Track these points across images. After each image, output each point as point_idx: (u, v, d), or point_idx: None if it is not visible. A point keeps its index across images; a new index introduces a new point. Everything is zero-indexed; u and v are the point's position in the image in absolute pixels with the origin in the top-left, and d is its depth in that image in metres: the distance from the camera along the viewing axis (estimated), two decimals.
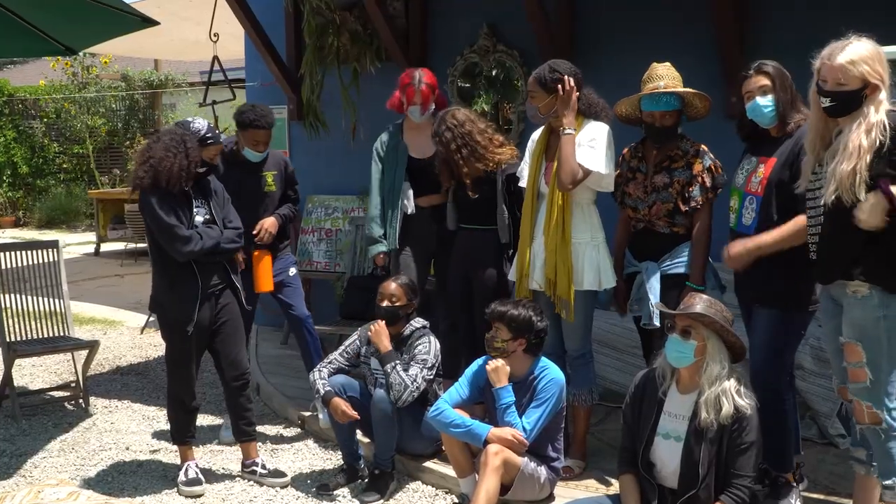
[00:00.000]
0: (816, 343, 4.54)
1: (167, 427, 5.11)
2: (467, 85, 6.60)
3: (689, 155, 4.09)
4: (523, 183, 4.38)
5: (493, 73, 6.46)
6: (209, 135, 4.47)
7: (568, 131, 4.05)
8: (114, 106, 17.17)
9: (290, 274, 5.28)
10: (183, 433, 4.54)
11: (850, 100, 3.13)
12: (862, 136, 3.06)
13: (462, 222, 4.79)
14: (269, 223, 5.06)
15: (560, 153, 4.06)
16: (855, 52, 3.11)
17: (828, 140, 3.26)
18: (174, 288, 4.32)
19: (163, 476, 4.64)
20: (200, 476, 4.47)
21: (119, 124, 17.18)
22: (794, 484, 3.89)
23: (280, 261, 5.23)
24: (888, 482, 3.29)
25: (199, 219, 4.34)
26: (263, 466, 4.55)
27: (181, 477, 4.45)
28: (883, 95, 3.11)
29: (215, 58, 6.96)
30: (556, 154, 4.16)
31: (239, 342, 4.58)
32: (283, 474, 4.52)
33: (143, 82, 17.10)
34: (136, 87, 17.06)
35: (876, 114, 3.08)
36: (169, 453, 4.91)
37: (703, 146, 4.13)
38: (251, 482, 4.53)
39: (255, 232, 4.99)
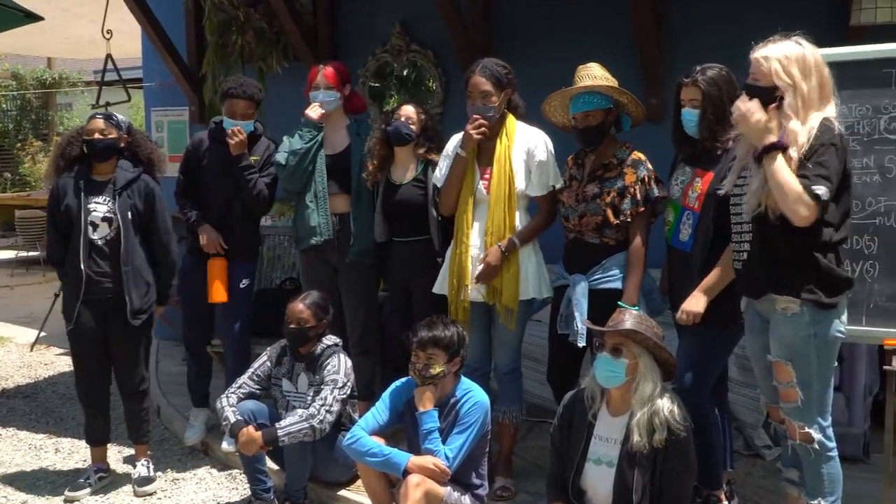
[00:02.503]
0: (741, 352, 4.38)
1: (57, 458, 4.87)
2: (377, 84, 6.34)
3: (625, 164, 3.85)
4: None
5: (405, 72, 6.21)
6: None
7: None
8: (4, 106, 16.30)
9: (241, 285, 4.84)
10: (89, 435, 4.56)
11: (760, 97, 2.95)
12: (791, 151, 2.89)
13: (394, 234, 4.45)
14: (213, 235, 4.72)
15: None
16: (774, 49, 2.97)
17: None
18: (67, 283, 4.37)
19: None
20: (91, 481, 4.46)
21: (10, 125, 16.31)
22: (726, 502, 3.76)
23: (237, 264, 4.83)
24: (814, 502, 3.18)
25: (96, 214, 4.29)
26: (142, 471, 4.52)
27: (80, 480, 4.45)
28: (794, 102, 2.92)
29: (109, 56, 6.54)
30: (492, 157, 3.96)
31: (130, 354, 4.44)
32: (151, 480, 4.50)
33: (36, 81, 16.28)
34: (27, 86, 16.23)
35: (796, 122, 2.91)
36: (59, 487, 4.50)
37: (641, 155, 3.89)
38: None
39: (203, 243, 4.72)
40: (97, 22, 6.91)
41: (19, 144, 15.84)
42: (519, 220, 3.98)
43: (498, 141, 3.99)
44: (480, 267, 3.93)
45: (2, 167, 16.28)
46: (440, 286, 4.15)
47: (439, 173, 4.17)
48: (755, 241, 3.14)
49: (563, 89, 3.89)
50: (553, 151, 4.03)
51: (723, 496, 3.76)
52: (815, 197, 2.83)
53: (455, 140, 4.14)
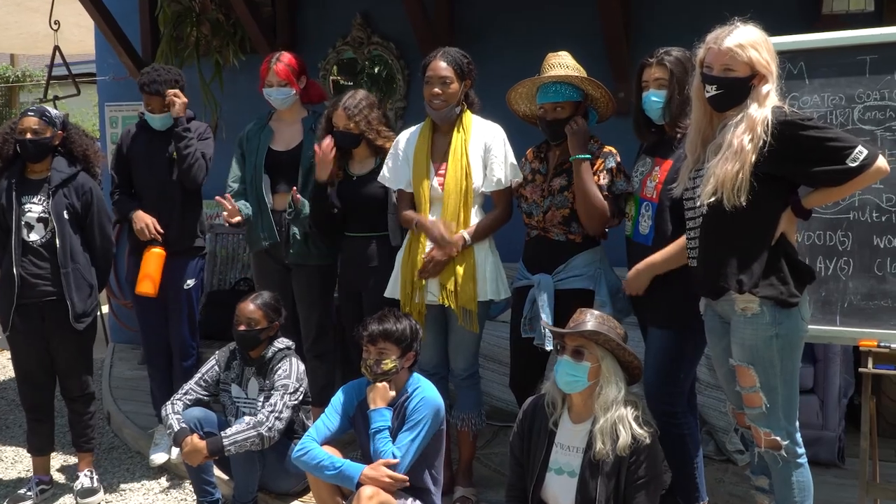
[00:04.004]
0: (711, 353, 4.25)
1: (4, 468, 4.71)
2: (349, 84, 6.12)
3: (594, 157, 3.66)
4: (398, 186, 3.93)
5: (376, 70, 6.00)
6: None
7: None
8: None
9: (185, 286, 4.54)
10: (31, 443, 4.36)
11: (737, 88, 2.82)
12: (745, 135, 2.75)
13: (348, 230, 4.23)
14: (148, 220, 4.40)
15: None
16: (744, 37, 2.82)
17: (709, 140, 2.95)
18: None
19: None
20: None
21: None
22: None
23: (179, 263, 4.52)
24: None
25: (31, 214, 4.10)
26: (85, 482, 4.32)
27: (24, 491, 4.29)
28: (768, 88, 2.81)
29: (56, 48, 6.30)
30: (446, 154, 3.77)
31: (73, 358, 4.25)
32: (94, 492, 4.30)
33: None
34: None
35: (759, 109, 2.78)
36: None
37: (612, 149, 3.71)
38: None
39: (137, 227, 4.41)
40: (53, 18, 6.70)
41: None
42: (475, 217, 3.79)
43: (454, 135, 3.80)
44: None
45: None
46: (392, 290, 3.94)
47: (387, 171, 3.97)
48: (709, 234, 2.95)
49: (534, 77, 3.70)
50: (509, 146, 3.84)
51: None
52: (864, 161, 2.70)
53: (404, 137, 3.96)
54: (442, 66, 3.76)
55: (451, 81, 3.76)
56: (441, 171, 3.80)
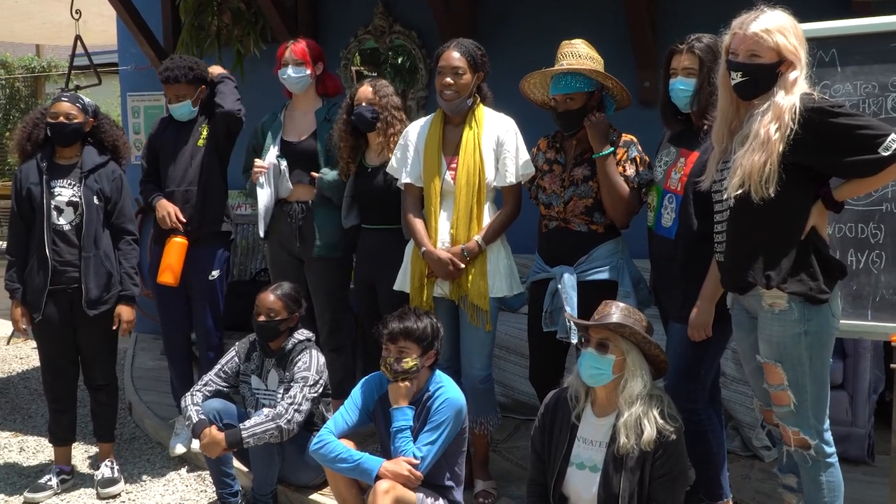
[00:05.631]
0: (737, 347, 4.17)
1: (21, 458, 4.77)
2: (374, 74, 6.07)
3: (615, 146, 3.59)
4: (406, 180, 3.86)
5: (399, 60, 5.94)
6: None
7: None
8: None
9: (209, 278, 4.50)
10: (53, 433, 4.35)
11: (763, 75, 2.73)
12: (771, 124, 2.67)
13: (364, 221, 4.20)
14: (170, 208, 4.37)
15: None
16: (770, 21, 2.72)
17: (737, 130, 2.86)
18: (29, 274, 4.13)
19: None
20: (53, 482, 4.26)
21: None
22: None
23: (205, 252, 4.48)
24: None
25: (60, 198, 4.11)
26: (105, 472, 4.32)
27: (41, 481, 4.27)
28: (796, 75, 2.71)
29: (78, 38, 6.28)
30: (458, 147, 3.71)
31: (98, 347, 4.25)
32: (115, 482, 4.28)
33: (24, 69, 15.97)
34: (16, 73, 15.93)
35: (787, 96, 2.68)
36: (20, 488, 4.27)
37: (632, 137, 3.64)
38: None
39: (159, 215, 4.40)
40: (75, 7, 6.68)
41: (7, 133, 15.52)
42: (488, 214, 3.73)
43: (466, 129, 3.73)
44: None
45: None
46: (401, 283, 3.89)
47: (395, 162, 3.92)
48: (736, 228, 2.87)
49: (543, 69, 3.62)
50: (522, 140, 3.77)
51: None
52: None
53: (414, 129, 3.90)
54: (455, 57, 3.70)
55: (463, 72, 3.69)
56: (453, 165, 3.74)
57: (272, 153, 4.36)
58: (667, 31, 4.89)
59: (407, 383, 3.36)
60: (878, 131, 2.63)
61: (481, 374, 3.80)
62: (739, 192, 2.74)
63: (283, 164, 4.35)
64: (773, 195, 2.68)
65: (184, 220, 4.37)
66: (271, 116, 4.51)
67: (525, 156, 3.74)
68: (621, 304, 3.07)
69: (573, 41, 3.64)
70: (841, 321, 2.93)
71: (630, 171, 3.55)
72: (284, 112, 4.49)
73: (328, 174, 4.24)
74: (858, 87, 3.21)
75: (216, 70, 4.50)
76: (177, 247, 4.35)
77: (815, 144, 2.67)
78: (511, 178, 3.70)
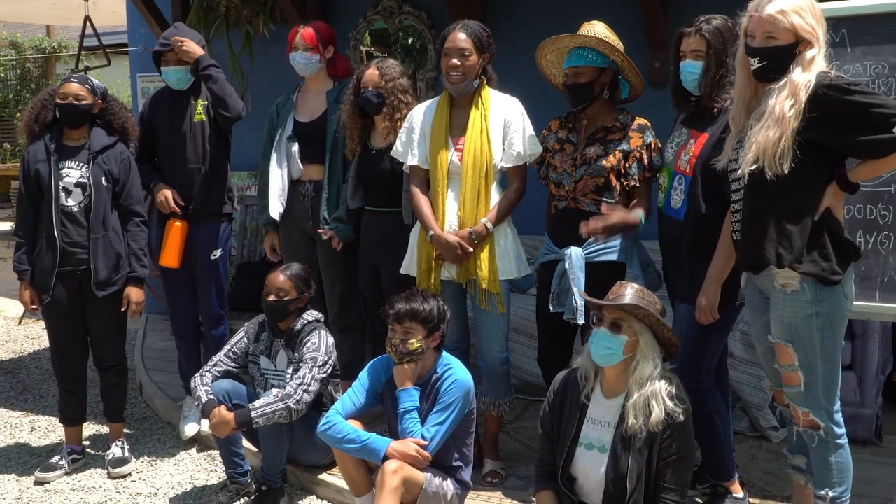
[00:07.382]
0: (746, 328, 4.13)
1: (32, 437, 4.80)
2: (384, 55, 6.05)
3: (629, 128, 3.59)
4: (412, 162, 3.86)
5: (410, 41, 5.93)
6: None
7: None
8: (2, 75, 16.02)
9: (211, 257, 4.54)
10: (64, 413, 4.38)
11: (781, 57, 2.70)
12: (786, 101, 2.65)
13: (368, 203, 4.22)
14: (168, 193, 4.41)
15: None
16: (786, 2, 2.69)
17: (754, 109, 2.83)
18: (38, 256, 4.11)
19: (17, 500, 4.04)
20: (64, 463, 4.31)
21: (10, 95, 16.04)
22: (741, 492, 3.51)
23: (206, 231, 4.52)
24: (821, 493, 2.94)
25: (69, 179, 4.10)
26: (116, 452, 4.36)
27: (52, 461, 4.32)
28: (813, 53, 2.69)
29: (87, 19, 6.28)
30: (464, 129, 3.70)
31: (107, 327, 4.27)
32: (125, 462, 4.31)
33: (35, 49, 15.98)
34: (26, 54, 15.95)
35: (803, 73, 2.66)
36: (31, 468, 4.32)
37: (646, 121, 3.63)
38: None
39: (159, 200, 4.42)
40: None
41: (19, 115, 15.58)
42: (495, 194, 3.73)
43: (473, 109, 3.73)
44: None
45: (2, 138, 16.08)
46: (407, 266, 3.90)
47: (400, 145, 3.91)
48: (750, 205, 2.86)
49: (553, 37, 3.62)
50: (528, 120, 3.76)
51: (737, 485, 3.51)
52: None
53: (419, 111, 3.89)
54: (461, 38, 3.69)
55: (469, 54, 3.68)
56: (459, 146, 3.73)
57: (288, 129, 4.39)
58: (678, 12, 4.86)
59: (412, 364, 3.38)
60: (894, 110, 2.61)
61: (501, 357, 3.82)
62: (753, 167, 2.73)
63: (295, 146, 4.36)
64: (786, 172, 2.67)
65: (182, 204, 4.41)
66: (284, 97, 4.52)
67: (531, 133, 3.73)
68: (635, 286, 3.06)
69: (593, 22, 3.65)
70: None
71: (646, 155, 3.55)
72: (297, 93, 4.50)
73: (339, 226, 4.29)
74: (868, 67, 3.19)
75: (194, 48, 4.41)
76: (176, 229, 4.40)
77: (829, 122, 2.65)
78: (517, 154, 3.70)
